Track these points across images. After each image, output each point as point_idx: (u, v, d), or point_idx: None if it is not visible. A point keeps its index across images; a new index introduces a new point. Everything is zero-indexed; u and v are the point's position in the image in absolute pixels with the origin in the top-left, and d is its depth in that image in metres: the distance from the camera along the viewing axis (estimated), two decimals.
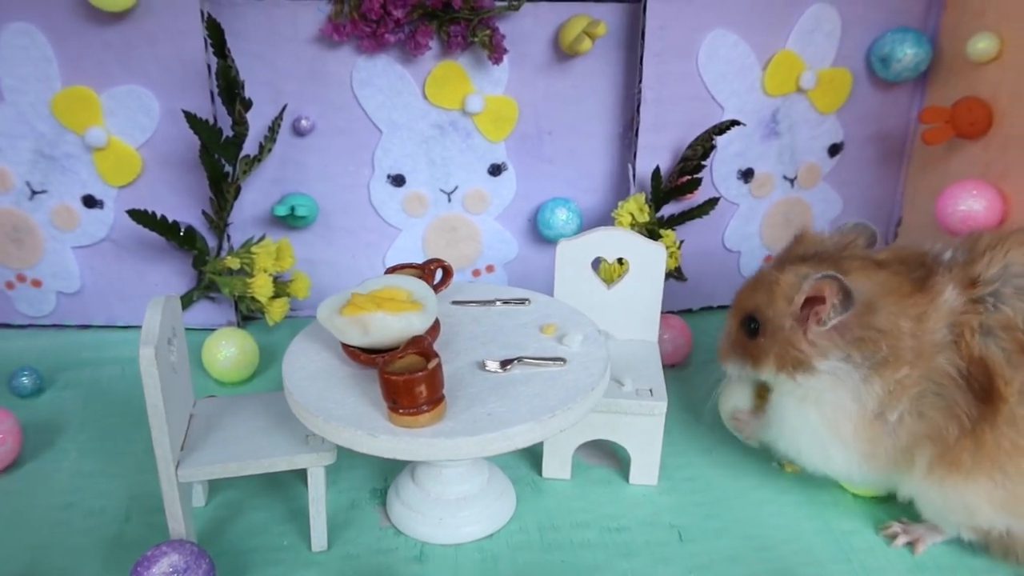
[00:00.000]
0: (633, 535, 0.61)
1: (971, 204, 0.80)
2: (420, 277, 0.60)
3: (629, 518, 0.63)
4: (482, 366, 0.55)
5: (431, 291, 0.57)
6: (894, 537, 0.60)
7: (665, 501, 0.65)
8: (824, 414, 0.57)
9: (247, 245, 0.84)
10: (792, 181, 0.93)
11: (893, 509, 0.63)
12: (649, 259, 0.69)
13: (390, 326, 0.52)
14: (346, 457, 0.68)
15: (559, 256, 0.70)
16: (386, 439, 0.48)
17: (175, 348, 0.57)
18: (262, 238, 0.85)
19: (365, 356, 0.54)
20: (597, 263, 0.84)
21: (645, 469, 0.66)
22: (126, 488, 0.65)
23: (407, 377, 0.47)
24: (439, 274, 0.64)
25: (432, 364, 0.48)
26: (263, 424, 0.59)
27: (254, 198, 0.88)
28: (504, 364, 0.55)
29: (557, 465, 0.67)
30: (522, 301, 0.64)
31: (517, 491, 0.65)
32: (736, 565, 0.58)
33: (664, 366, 0.83)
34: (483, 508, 0.60)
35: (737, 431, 0.67)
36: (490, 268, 0.94)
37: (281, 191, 0.88)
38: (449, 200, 0.91)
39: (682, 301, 0.94)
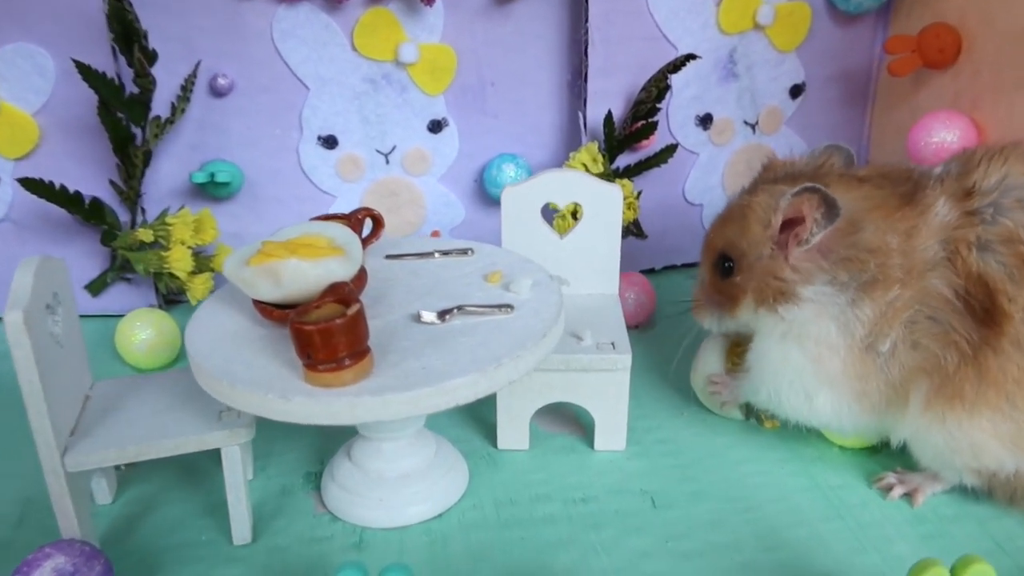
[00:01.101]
0: (601, 505, 0.54)
1: (944, 135, 0.75)
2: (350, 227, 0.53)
3: (596, 487, 0.56)
4: (417, 318, 0.48)
5: (356, 238, 0.49)
6: (889, 489, 0.54)
7: (634, 466, 0.58)
8: (808, 350, 0.51)
9: (162, 216, 0.75)
10: (753, 127, 0.87)
11: (885, 459, 0.57)
12: (604, 203, 0.62)
13: (305, 274, 0.45)
14: (278, 440, 0.60)
15: (504, 204, 0.63)
16: (302, 401, 0.40)
17: (60, 318, 0.48)
18: (181, 209, 0.77)
19: (279, 313, 0.46)
20: (551, 217, 0.78)
21: (611, 433, 0.59)
22: (22, 490, 0.57)
23: (323, 326, 0.40)
24: (369, 225, 0.57)
25: (352, 310, 0.40)
26: (170, 403, 0.51)
27: (171, 168, 0.80)
28: (442, 315, 0.48)
29: (513, 435, 0.60)
30: (464, 251, 0.57)
31: (470, 465, 0.58)
32: (718, 531, 0.52)
33: (628, 327, 0.77)
34: (430, 485, 0.53)
35: (715, 397, 0.62)
36: (435, 234, 0.87)
37: (201, 159, 0.80)
38: (387, 162, 0.83)
39: (643, 260, 0.88)
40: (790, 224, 0.51)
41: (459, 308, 0.48)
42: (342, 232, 0.49)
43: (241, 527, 0.50)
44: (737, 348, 0.61)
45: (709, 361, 0.62)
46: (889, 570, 0.48)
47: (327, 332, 0.40)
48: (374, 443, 0.53)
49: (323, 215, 0.56)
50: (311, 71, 0.79)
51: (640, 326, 0.78)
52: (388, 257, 0.57)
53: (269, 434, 0.61)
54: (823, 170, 0.54)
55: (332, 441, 0.60)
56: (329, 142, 0.82)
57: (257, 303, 0.48)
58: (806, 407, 0.53)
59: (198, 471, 0.58)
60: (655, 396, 0.67)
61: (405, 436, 0.53)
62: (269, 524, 0.53)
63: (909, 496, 0.54)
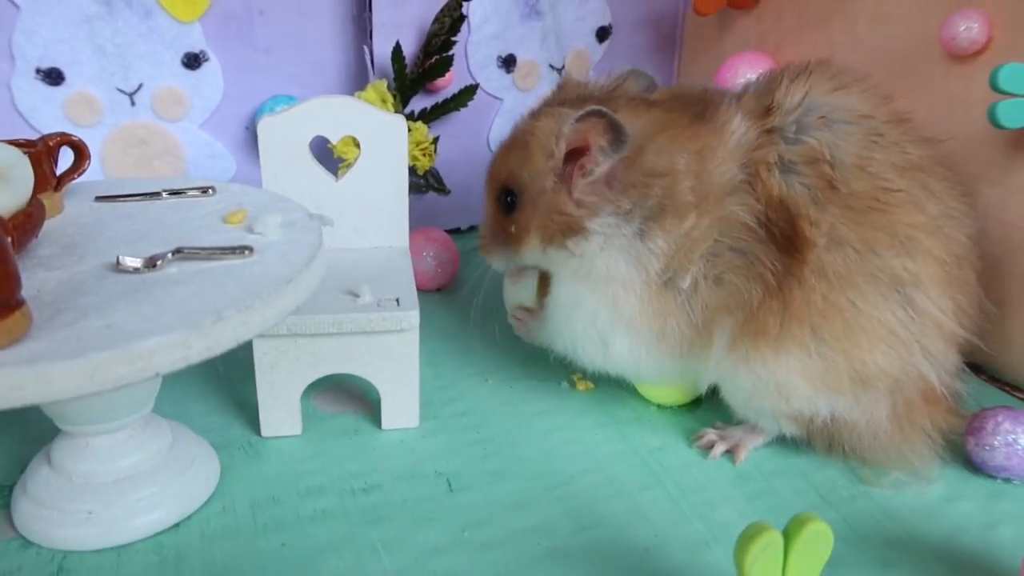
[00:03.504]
0: (386, 494, 0.45)
1: (749, 76, 0.71)
2: (34, 155, 0.40)
3: (381, 473, 0.46)
4: (116, 267, 0.36)
5: (26, 161, 0.36)
6: (710, 447, 0.48)
7: (429, 446, 0.49)
8: (601, 290, 0.46)
9: None
10: (560, 71, 0.80)
11: (705, 415, 0.52)
12: (385, 137, 0.52)
13: None
14: None
15: (261, 140, 0.52)
16: None
17: None
18: None
19: None
20: (335, 167, 0.67)
21: (401, 408, 0.50)
22: None
23: None
24: (69, 159, 0.43)
25: None
26: None
27: None
28: (152, 261, 0.36)
29: (280, 418, 0.49)
30: (204, 190, 0.46)
31: (224, 459, 0.46)
32: (523, 513, 0.43)
33: (429, 289, 0.68)
34: (161, 489, 0.41)
35: (516, 330, 0.55)
36: None
37: None
38: (132, 103, 0.69)
39: (447, 219, 0.79)
40: (576, 153, 0.45)
41: (176, 252, 0.36)
42: (5, 153, 0.36)
43: None
44: (547, 280, 0.54)
45: (519, 291, 0.54)
46: (713, 538, 0.42)
47: None
48: (80, 440, 0.40)
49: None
50: None
51: (442, 288, 0.69)
52: (99, 199, 0.44)
53: None
54: (615, 94, 0.49)
55: (38, 444, 0.46)
56: (52, 76, 0.66)
57: None
58: (602, 353, 0.48)
59: None
60: (458, 364, 0.58)
61: (124, 427, 0.41)
62: None
63: (731, 453, 0.48)
